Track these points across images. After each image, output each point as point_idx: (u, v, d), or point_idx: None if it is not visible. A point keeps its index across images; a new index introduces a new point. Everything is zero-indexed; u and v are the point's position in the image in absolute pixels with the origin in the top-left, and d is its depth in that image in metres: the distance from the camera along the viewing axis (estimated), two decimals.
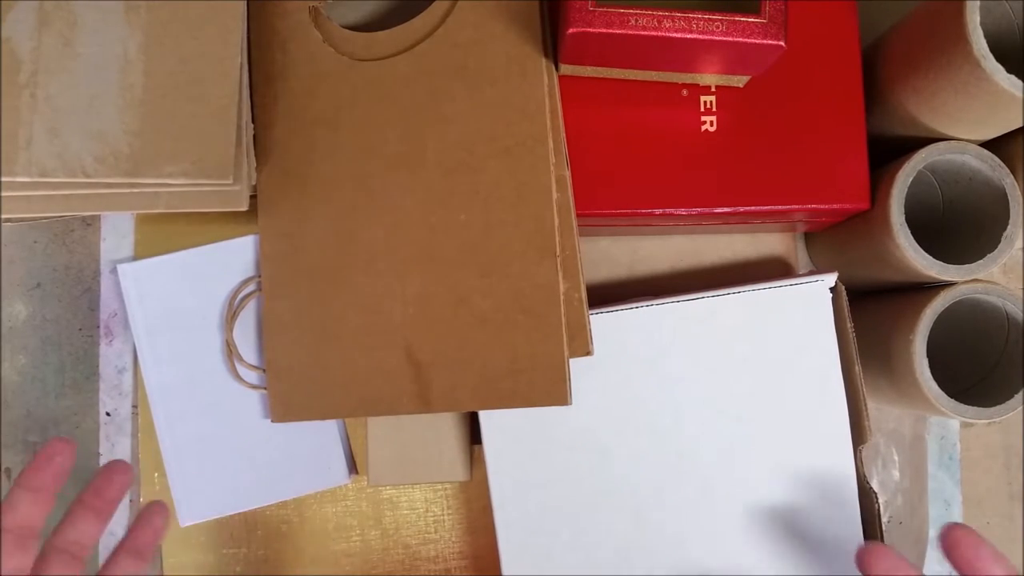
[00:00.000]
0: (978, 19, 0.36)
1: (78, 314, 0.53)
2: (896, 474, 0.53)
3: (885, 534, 0.44)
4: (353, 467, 0.51)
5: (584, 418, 0.44)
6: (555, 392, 0.42)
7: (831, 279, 0.44)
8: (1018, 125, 0.41)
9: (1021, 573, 0.53)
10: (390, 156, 0.44)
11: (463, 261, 0.43)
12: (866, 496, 0.43)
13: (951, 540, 0.35)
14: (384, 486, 0.51)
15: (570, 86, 0.44)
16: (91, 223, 0.53)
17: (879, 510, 0.43)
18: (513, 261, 0.43)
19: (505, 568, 0.45)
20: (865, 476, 0.43)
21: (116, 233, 0.51)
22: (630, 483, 0.44)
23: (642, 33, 0.38)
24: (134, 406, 0.52)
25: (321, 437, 0.50)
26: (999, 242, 0.42)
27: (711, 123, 0.45)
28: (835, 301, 0.44)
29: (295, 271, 0.46)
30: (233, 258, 0.49)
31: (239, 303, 0.49)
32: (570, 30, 0.38)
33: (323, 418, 0.46)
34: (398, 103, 0.44)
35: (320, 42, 0.45)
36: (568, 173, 0.43)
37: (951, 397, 0.42)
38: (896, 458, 0.53)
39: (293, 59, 0.45)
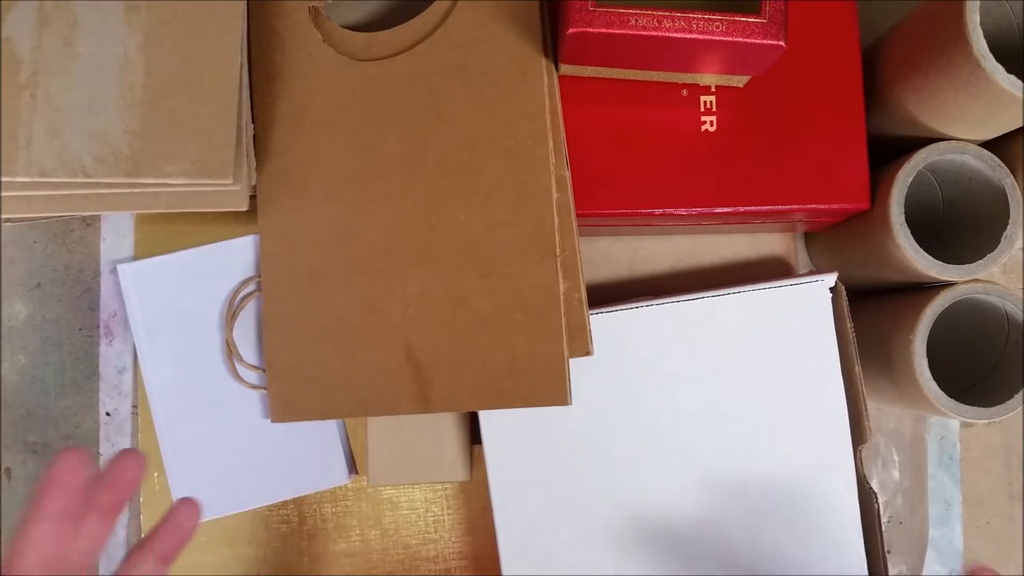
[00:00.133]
0: (978, 19, 0.36)
1: (78, 314, 0.53)
2: (896, 474, 0.53)
3: (885, 534, 0.44)
4: (353, 467, 0.51)
5: (584, 418, 0.44)
6: (555, 392, 0.42)
7: (831, 279, 0.44)
8: (1018, 125, 0.41)
9: (1021, 574, 0.54)
10: (390, 156, 0.44)
11: (463, 261, 0.43)
12: (866, 496, 0.43)
13: None
14: (384, 486, 0.51)
15: (570, 86, 0.44)
16: (91, 223, 0.53)
17: (879, 510, 0.43)
18: (513, 261, 0.43)
19: (505, 568, 0.45)
20: (865, 476, 0.43)
21: (116, 233, 0.51)
22: (630, 483, 0.44)
23: (642, 33, 0.38)
24: (134, 406, 0.51)
25: (321, 437, 0.50)
26: (999, 242, 0.42)
27: (711, 123, 0.45)
28: (835, 301, 0.44)
29: (295, 271, 0.45)
30: (233, 258, 0.49)
31: (239, 303, 0.49)
32: (570, 30, 0.38)
33: (323, 418, 0.46)
34: (398, 103, 0.44)
35: (320, 42, 0.45)
36: (568, 173, 0.43)
37: (951, 397, 0.42)
38: (896, 458, 0.53)
39: (293, 59, 0.45)
